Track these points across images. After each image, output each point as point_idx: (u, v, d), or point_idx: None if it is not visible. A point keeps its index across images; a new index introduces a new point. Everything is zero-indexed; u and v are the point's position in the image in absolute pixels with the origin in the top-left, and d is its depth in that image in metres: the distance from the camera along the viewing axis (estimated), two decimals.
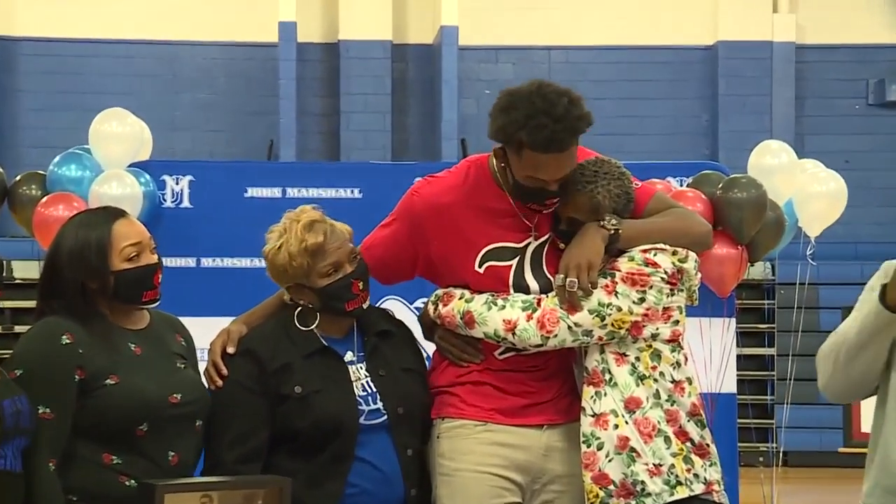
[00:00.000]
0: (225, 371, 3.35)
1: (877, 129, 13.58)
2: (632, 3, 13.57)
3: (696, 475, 3.28)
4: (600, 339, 3.30)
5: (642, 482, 3.25)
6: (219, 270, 5.67)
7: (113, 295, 3.25)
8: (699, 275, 3.41)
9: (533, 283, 3.38)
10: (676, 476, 3.26)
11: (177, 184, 5.72)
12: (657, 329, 3.31)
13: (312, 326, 3.40)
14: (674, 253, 3.33)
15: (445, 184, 3.44)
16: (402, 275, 3.58)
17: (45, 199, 5.49)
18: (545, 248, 3.41)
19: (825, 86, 13.62)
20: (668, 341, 3.33)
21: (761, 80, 13.41)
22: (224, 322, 3.50)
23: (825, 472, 11.05)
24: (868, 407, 3.18)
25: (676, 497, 3.26)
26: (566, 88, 3.25)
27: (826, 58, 13.61)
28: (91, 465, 3.15)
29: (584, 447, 3.30)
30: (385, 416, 3.36)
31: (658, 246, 3.32)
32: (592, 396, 3.32)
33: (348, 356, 3.42)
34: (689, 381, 3.36)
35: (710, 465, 3.32)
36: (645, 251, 3.31)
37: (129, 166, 5.69)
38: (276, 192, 5.74)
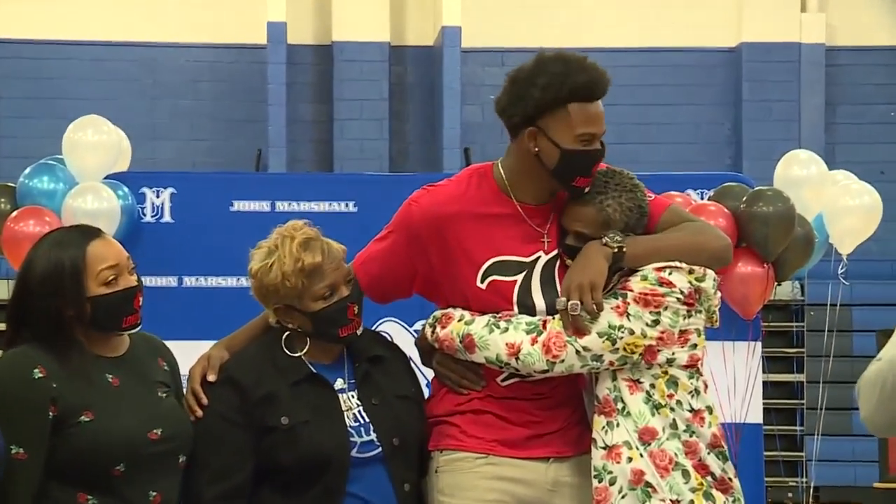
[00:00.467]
0: (205, 400, 3.35)
1: None
2: (648, 2, 13.58)
3: None
4: (611, 364, 3.31)
5: None
6: (202, 290, 5.68)
7: (90, 322, 3.24)
8: (719, 294, 3.41)
9: (539, 302, 3.38)
10: None
11: (157, 197, 5.73)
12: (673, 353, 3.31)
13: (301, 353, 3.41)
14: (690, 271, 3.33)
15: (446, 193, 3.45)
16: (399, 292, 3.58)
17: (14, 214, 5.50)
18: (558, 263, 3.42)
19: (858, 91, 13.62)
20: (686, 367, 3.33)
21: (789, 85, 13.42)
22: (208, 346, 3.51)
23: None
24: None
25: None
26: None
27: (859, 60, 13.61)
28: None
29: (595, 482, 3.30)
30: (379, 449, 3.36)
31: (673, 264, 3.33)
32: (604, 427, 3.32)
33: (338, 384, 3.42)
34: (710, 409, 3.36)
35: (734, 502, 3.32)
36: (659, 269, 3.32)
37: (106, 178, 5.71)
38: (264, 206, 5.75)
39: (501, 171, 3.44)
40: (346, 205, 5.75)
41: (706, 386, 3.38)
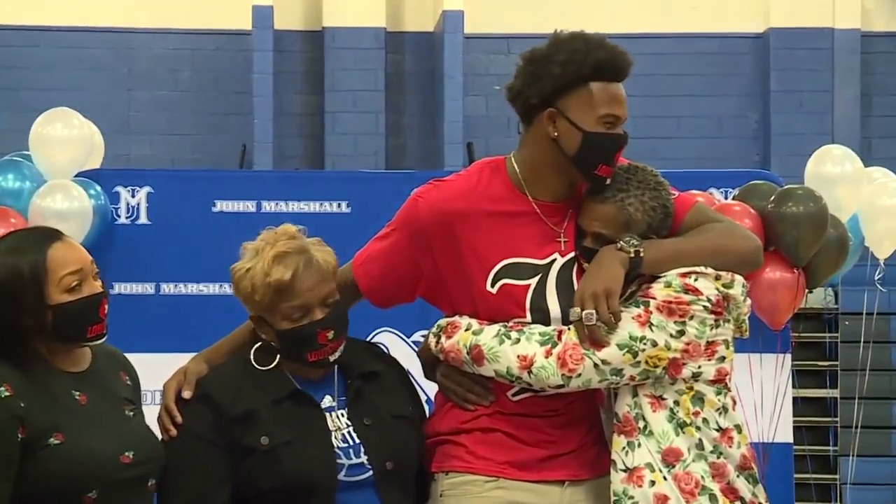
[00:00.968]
0: (179, 418, 3.34)
1: None
2: None
3: None
4: (632, 378, 3.30)
5: None
6: (182, 298, 5.69)
7: (52, 333, 3.22)
8: (749, 301, 3.41)
9: (554, 307, 3.37)
10: None
11: (133, 197, 5.73)
12: (699, 367, 3.31)
13: (270, 366, 3.39)
14: (717, 277, 3.33)
15: (455, 188, 3.44)
16: (401, 296, 3.57)
17: None
18: (575, 266, 3.41)
19: None
20: (713, 382, 3.33)
21: (821, 74, 13.42)
22: (188, 359, 3.50)
23: None
24: None
25: None
26: None
27: None
28: None
29: None
30: (370, 472, 3.35)
31: (699, 269, 3.32)
32: (624, 447, 3.32)
33: (326, 401, 3.41)
34: (738, 428, 3.36)
35: None
36: (684, 275, 3.31)
37: (77, 176, 5.71)
38: (249, 206, 5.76)
39: (515, 165, 3.43)
40: (339, 205, 5.76)
41: (735, 402, 3.38)
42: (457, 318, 3.45)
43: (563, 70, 3.32)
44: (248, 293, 3.35)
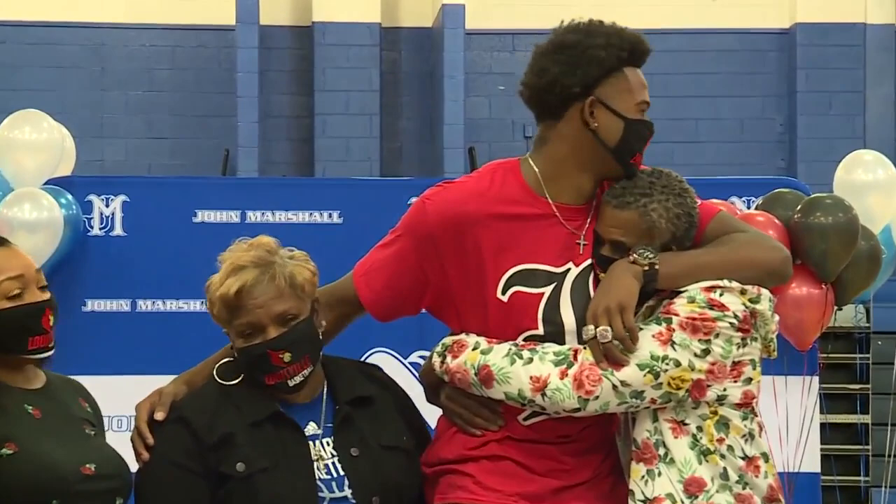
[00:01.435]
0: (151, 440, 3.34)
1: None
2: None
3: None
4: (653, 402, 3.29)
5: None
6: (160, 316, 5.68)
7: None
8: (777, 318, 3.40)
9: (569, 319, 3.36)
10: None
11: (107, 206, 5.73)
12: (725, 390, 3.30)
13: (234, 382, 3.38)
14: (742, 291, 3.32)
15: (466, 189, 3.43)
16: (405, 308, 3.55)
17: None
18: (592, 274, 3.40)
19: None
20: (739, 406, 3.32)
21: (851, 73, 13.45)
22: (166, 382, 3.49)
23: None
24: None
25: None
26: None
27: None
28: None
29: None
30: None
31: (723, 283, 3.31)
32: (643, 476, 3.31)
33: (311, 428, 3.40)
34: (765, 457, 3.35)
35: None
36: (708, 289, 3.30)
37: (46, 183, 5.71)
38: (233, 216, 5.76)
39: (533, 165, 3.42)
40: (330, 215, 5.76)
41: (761, 428, 3.38)
42: (463, 336, 3.44)
43: (607, 54, 3.36)
44: (209, 307, 3.37)
